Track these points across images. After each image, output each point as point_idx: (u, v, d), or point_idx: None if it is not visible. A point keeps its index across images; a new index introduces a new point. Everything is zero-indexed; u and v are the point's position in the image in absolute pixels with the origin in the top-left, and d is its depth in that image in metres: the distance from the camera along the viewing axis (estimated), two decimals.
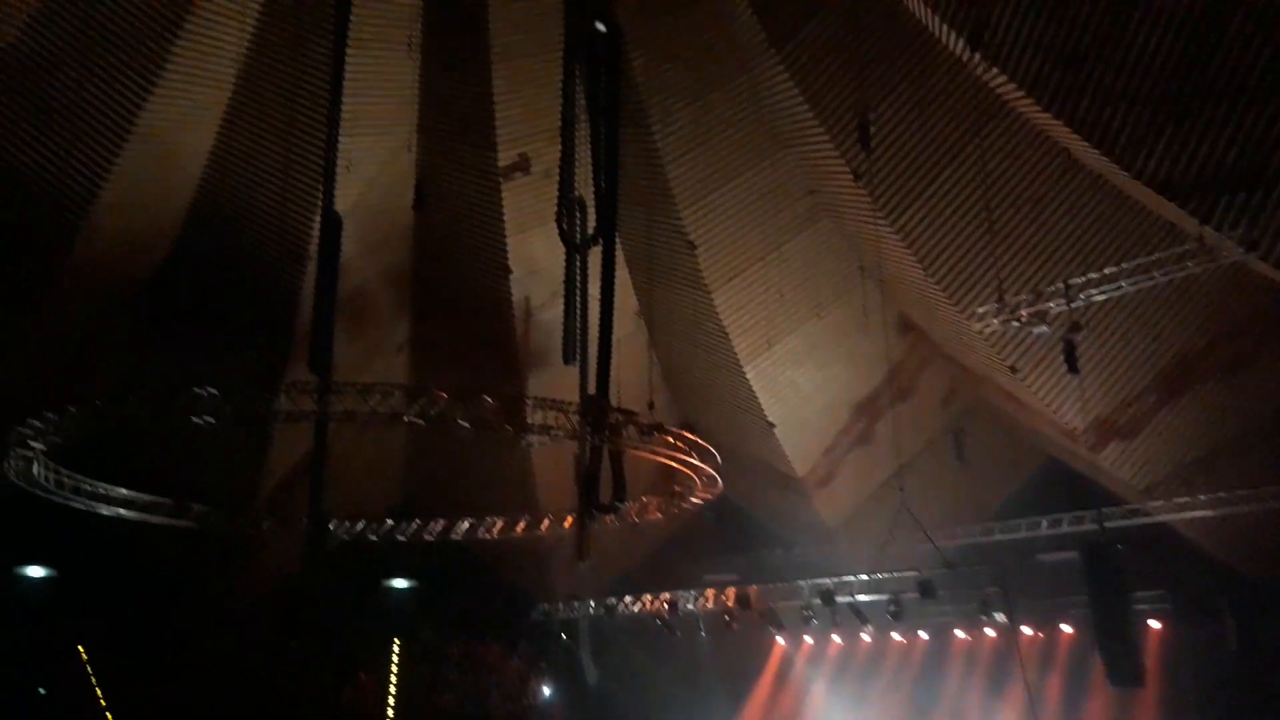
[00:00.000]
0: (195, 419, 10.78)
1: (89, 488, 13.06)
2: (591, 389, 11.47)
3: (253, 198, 12.83)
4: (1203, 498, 12.96)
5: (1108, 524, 13.07)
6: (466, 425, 11.76)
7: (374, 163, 13.17)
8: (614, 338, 11.35)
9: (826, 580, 15.50)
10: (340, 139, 10.49)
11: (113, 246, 12.37)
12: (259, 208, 12.91)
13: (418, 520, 15.54)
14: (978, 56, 10.49)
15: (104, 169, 11.89)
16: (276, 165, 12.50)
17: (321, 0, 11.57)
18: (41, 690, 15.07)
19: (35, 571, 14.89)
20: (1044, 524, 14.52)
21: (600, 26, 11.39)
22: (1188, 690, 13.61)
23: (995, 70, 10.43)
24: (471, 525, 15.56)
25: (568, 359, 11.75)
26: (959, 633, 16.03)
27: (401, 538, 15.54)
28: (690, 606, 16.51)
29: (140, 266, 12.93)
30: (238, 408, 11.15)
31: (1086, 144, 10.28)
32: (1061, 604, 14.78)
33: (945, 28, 10.67)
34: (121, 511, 13.54)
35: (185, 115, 12.10)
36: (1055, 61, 10.12)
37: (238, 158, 12.67)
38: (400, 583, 16.91)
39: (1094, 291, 10.92)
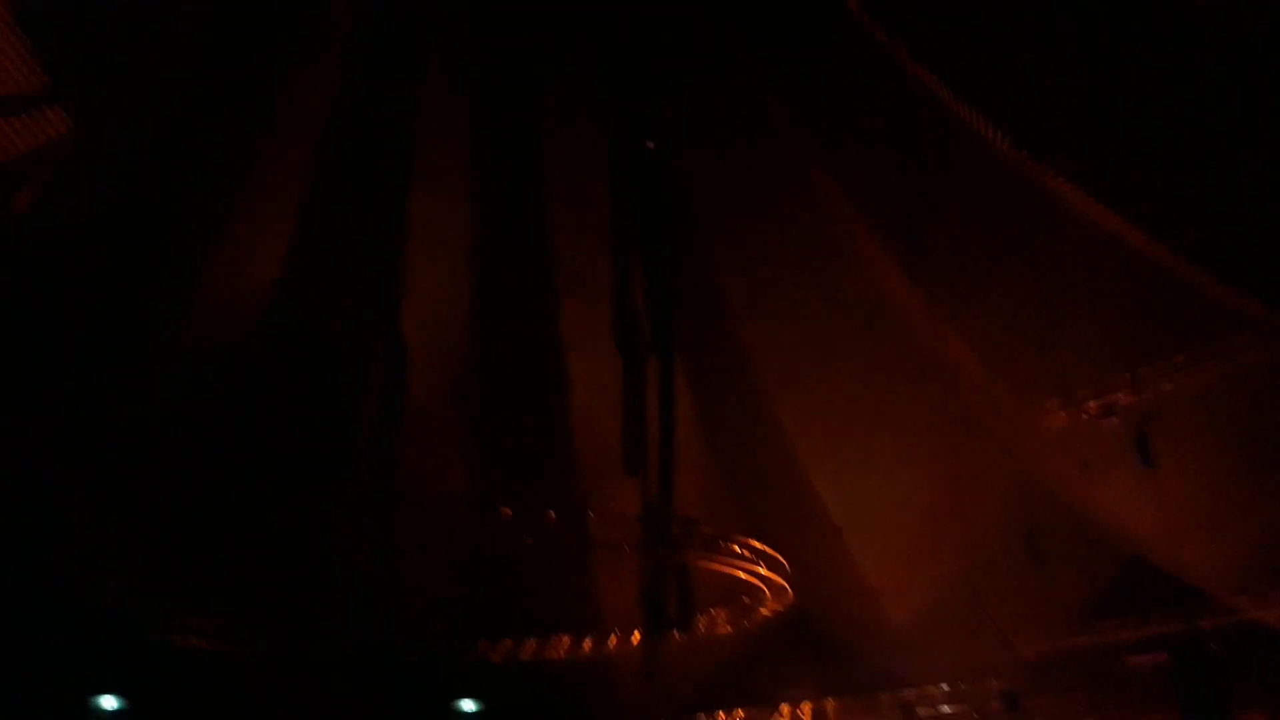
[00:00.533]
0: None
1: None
2: (653, 500, 11.38)
3: (318, 321, 13.13)
4: None
5: (1199, 623, 12.58)
6: (530, 540, 11.72)
7: (434, 281, 13.44)
8: (674, 447, 11.28)
9: (907, 692, 15.02)
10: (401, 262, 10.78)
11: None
12: (324, 331, 13.20)
13: (483, 639, 15.34)
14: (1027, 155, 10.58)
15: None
16: (342, 289, 12.84)
17: (381, 136, 12.05)
18: None
19: (108, 703, 14.87)
20: (1131, 625, 13.97)
21: (649, 145, 11.67)
22: None
23: (1046, 167, 10.47)
24: (538, 644, 15.32)
25: (629, 471, 11.69)
26: None
27: (467, 658, 15.32)
28: None
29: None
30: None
31: (1147, 237, 10.22)
32: (1154, 709, 14.15)
33: (993, 129, 10.77)
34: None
35: (254, 239, 12.49)
36: (1107, 159, 10.14)
37: (304, 283, 13.01)
38: (468, 705, 16.58)
39: (1163, 382, 10.72)
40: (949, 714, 15.27)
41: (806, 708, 15.85)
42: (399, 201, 10.92)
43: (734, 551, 12.51)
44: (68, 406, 11.39)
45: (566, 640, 15.23)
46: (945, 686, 14.61)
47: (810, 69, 12.31)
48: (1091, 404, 11.24)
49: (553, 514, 11.91)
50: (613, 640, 14.97)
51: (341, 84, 12.12)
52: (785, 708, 15.97)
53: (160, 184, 11.42)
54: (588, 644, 15.19)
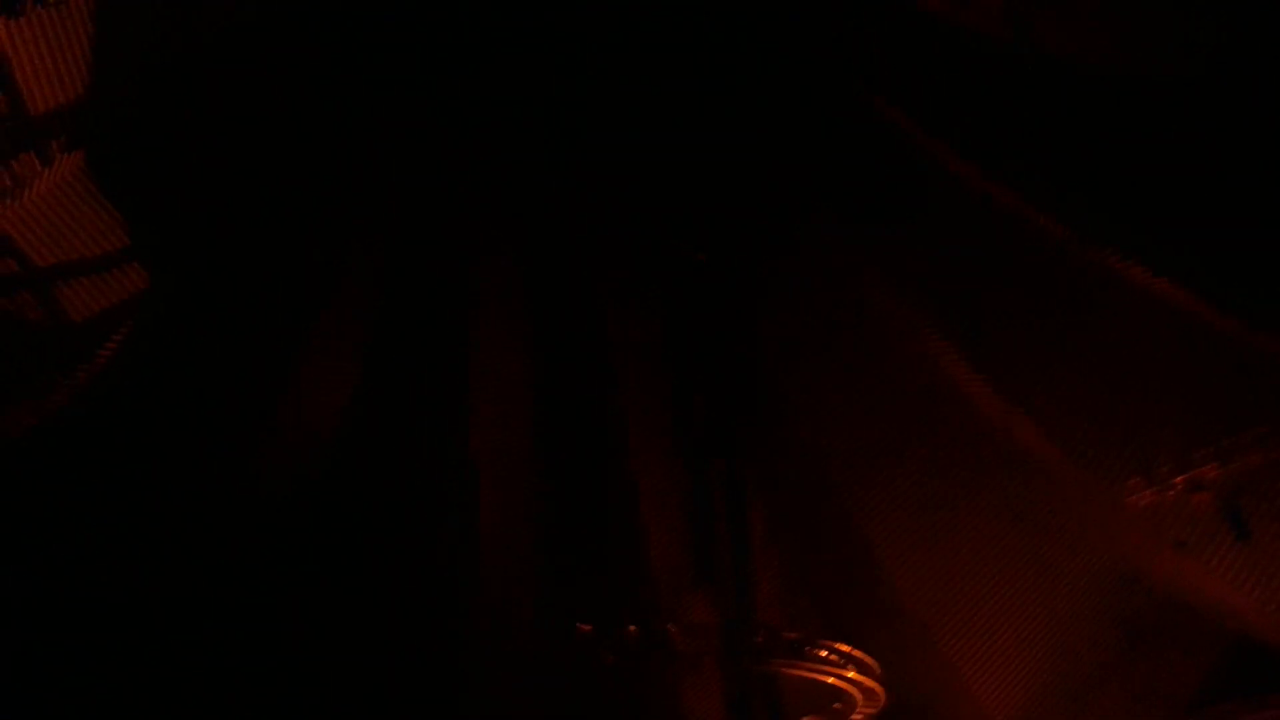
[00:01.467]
0: None
1: None
2: (732, 608, 11.23)
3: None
4: None
5: None
6: (611, 657, 11.53)
7: (497, 402, 13.57)
8: (749, 552, 11.18)
9: None
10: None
11: None
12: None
13: None
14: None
15: None
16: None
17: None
18: None
19: None
20: (1243, 708, 13.32)
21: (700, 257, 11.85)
22: None
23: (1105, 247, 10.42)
24: None
25: (701, 580, 11.58)
26: None
27: None
28: None
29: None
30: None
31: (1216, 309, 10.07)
32: None
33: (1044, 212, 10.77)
34: None
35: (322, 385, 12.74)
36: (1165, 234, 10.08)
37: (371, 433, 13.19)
38: None
39: (1250, 453, 10.45)
40: None
41: None
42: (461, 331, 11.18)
43: (821, 657, 12.16)
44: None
45: None
46: None
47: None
48: (1178, 480, 10.93)
49: (634, 629, 11.71)
50: None
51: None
52: None
53: (230, 337, 11.79)
54: None
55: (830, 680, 12.49)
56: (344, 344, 12.48)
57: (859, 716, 13.59)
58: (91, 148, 10.18)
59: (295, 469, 12.63)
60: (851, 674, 12.23)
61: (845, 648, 12.29)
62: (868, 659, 12.19)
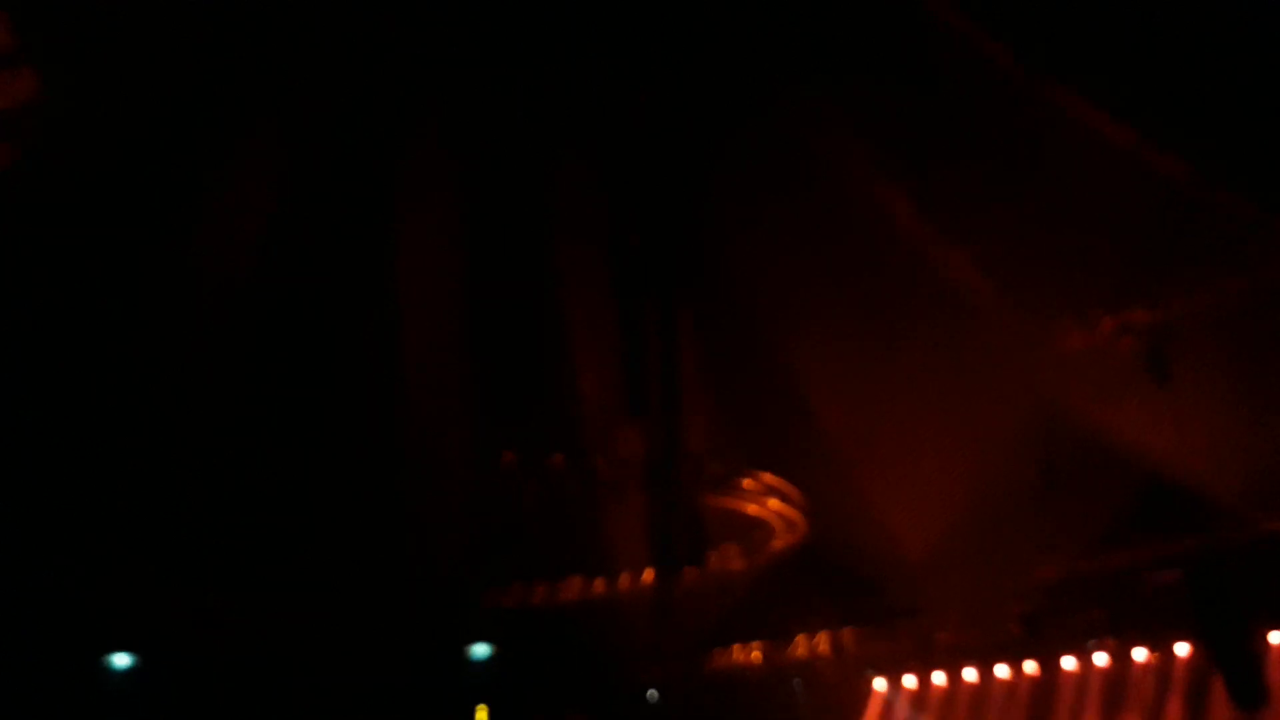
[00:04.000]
0: None
1: None
2: (659, 440, 11.30)
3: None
4: None
5: (1217, 540, 12.56)
6: (536, 485, 11.65)
7: (426, 233, 13.15)
8: (678, 386, 11.14)
9: (924, 619, 15.08)
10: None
11: None
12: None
13: (494, 585, 15.37)
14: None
15: None
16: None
17: None
18: None
19: (120, 660, 15.00)
20: (1149, 545, 13.91)
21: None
22: None
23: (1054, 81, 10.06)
24: (549, 587, 15.33)
25: (633, 413, 11.58)
26: (1067, 664, 15.42)
27: (478, 604, 15.36)
28: (783, 657, 16.17)
29: None
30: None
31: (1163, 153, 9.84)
32: (1176, 626, 14.23)
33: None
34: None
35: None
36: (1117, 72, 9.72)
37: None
38: (481, 649, 16.69)
39: (1180, 300, 10.48)
40: (967, 638, 15.33)
41: (823, 638, 15.91)
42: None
43: (744, 487, 12.40)
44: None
45: (578, 583, 15.25)
46: (963, 613, 14.66)
47: None
48: (1107, 324, 10.98)
49: (558, 459, 11.80)
50: (624, 581, 14.98)
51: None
52: (802, 639, 16.05)
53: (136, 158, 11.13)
54: (599, 585, 15.22)
55: (752, 510, 12.83)
56: (260, 167, 11.91)
57: (779, 545, 14.05)
58: None
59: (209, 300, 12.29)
60: (773, 504, 12.54)
61: (768, 479, 12.55)
62: (789, 490, 12.47)
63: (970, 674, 16.32)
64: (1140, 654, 14.82)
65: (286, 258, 11.87)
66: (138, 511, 11.76)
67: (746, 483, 12.48)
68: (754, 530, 14.18)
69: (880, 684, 17.45)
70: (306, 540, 14.07)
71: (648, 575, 14.48)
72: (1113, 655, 14.91)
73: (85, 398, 11.65)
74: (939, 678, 16.78)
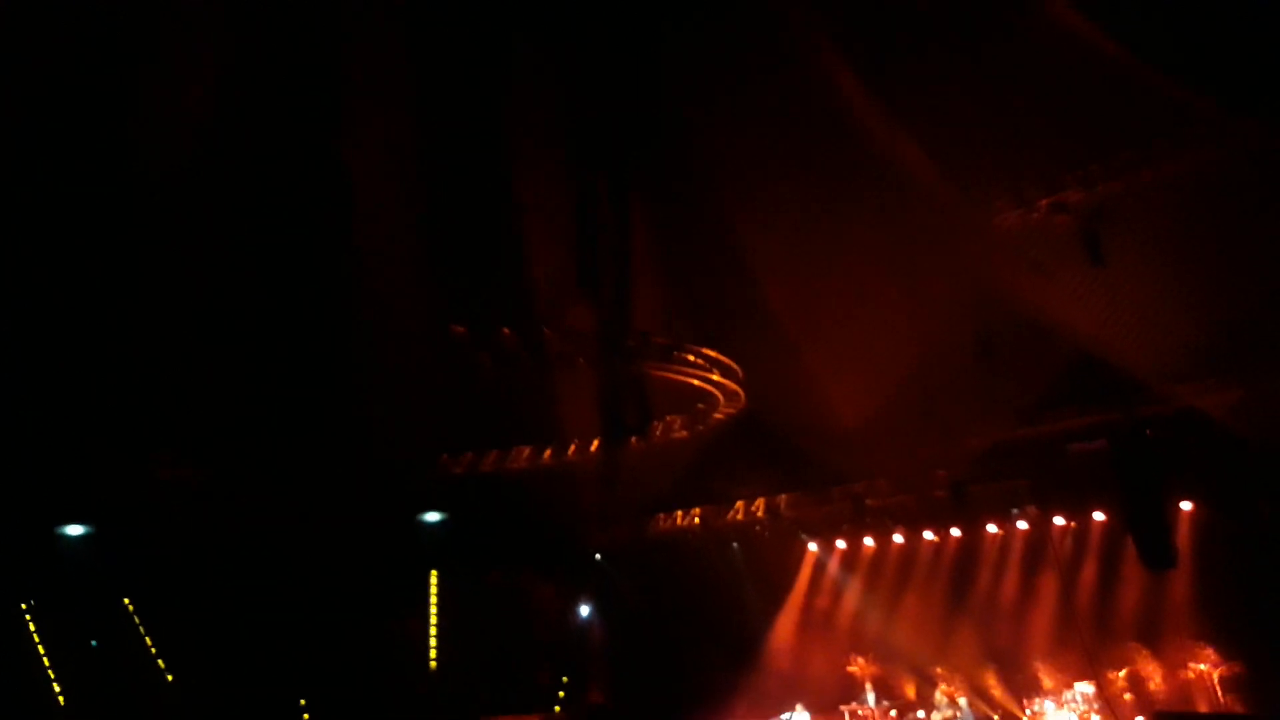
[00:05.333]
0: None
1: None
2: (608, 314, 11.41)
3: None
4: (1231, 381, 12.84)
5: (1139, 412, 13.05)
6: (486, 356, 11.76)
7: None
8: (628, 260, 11.22)
9: (856, 485, 15.60)
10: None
11: None
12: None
13: (445, 453, 15.60)
14: None
15: None
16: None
17: None
18: (94, 643, 15.45)
19: (74, 529, 15.14)
20: (1074, 416, 14.43)
21: None
22: (1221, 571, 13.69)
23: None
24: (499, 455, 15.61)
25: (582, 286, 11.64)
26: (991, 528, 16.17)
27: (430, 472, 15.62)
28: (722, 521, 16.71)
29: None
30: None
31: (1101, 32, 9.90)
32: (1094, 493, 14.91)
33: None
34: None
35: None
36: None
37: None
38: (432, 516, 17.04)
39: (1114, 179, 10.67)
40: (897, 503, 15.95)
41: (761, 504, 16.44)
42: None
43: (688, 360, 12.65)
44: None
45: (527, 451, 15.55)
46: (893, 479, 15.21)
47: None
48: (1042, 202, 11.19)
49: (507, 331, 11.89)
50: (572, 449, 15.30)
51: None
52: (740, 504, 16.56)
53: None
54: (548, 454, 15.53)
55: (695, 382, 13.14)
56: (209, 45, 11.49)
57: (720, 415, 14.44)
58: None
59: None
60: (715, 377, 12.85)
61: (711, 353, 12.81)
62: (731, 363, 12.75)
63: (898, 537, 17.10)
64: (1060, 520, 15.61)
65: (239, 135, 11.60)
66: (93, 383, 11.69)
67: (690, 356, 12.71)
68: (697, 402, 14.49)
69: (813, 547, 18.24)
70: (260, 412, 14.15)
71: (595, 445, 14.82)
72: (1033, 521, 15.66)
73: (42, 269, 11.42)
74: (869, 541, 17.57)
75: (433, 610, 17.14)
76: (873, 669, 17.03)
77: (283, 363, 13.03)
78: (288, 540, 16.44)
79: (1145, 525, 12.63)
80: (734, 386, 13.24)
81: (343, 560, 15.71)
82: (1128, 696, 14.47)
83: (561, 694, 18.05)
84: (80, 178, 10.98)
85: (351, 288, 12.99)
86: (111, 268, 11.47)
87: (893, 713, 16.30)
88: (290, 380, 13.83)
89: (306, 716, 16.07)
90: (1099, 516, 15.36)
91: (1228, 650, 13.50)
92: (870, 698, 16.67)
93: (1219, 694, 13.37)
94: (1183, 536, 14.16)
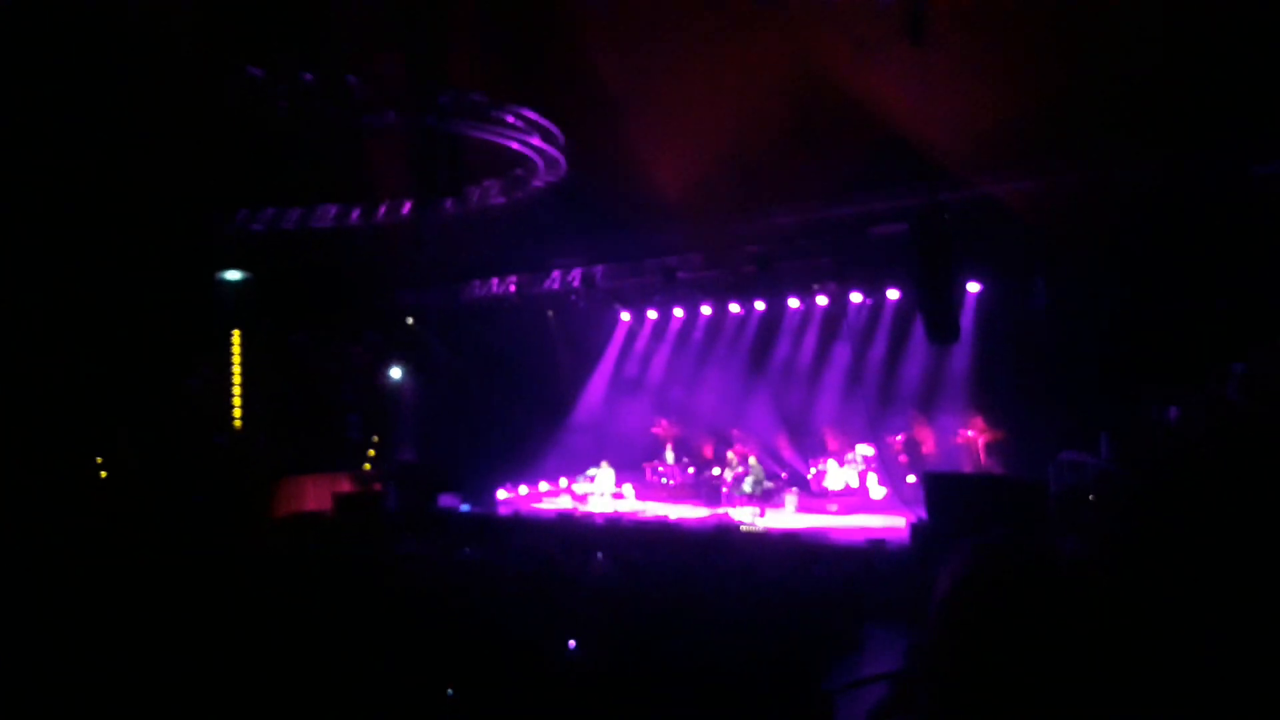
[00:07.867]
0: None
1: None
2: (422, 66, 10.75)
3: None
4: (1031, 170, 13.44)
5: (939, 196, 13.51)
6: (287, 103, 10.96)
7: None
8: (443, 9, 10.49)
9: (670, 258, 15.77)
10: None
11: None
12: None
13: (244, 209, 14.71)
14: None
15: None
16: None
17: None
18: None
19: None
20: (878, 198, 14.85)
21: None
22: (997, 348, 14.79)
23: None
24: (303, 214, 14.85)
25: (390, 36, 10.88)
26: (793, 302, 16.82)
27: (228, 228, 14.74)
28: (538, 289, 16.68)
29: None
30: None
31: None
32: (891, 272, 15.61)
33: None
34: None
35: None
36: None
37: None
38: (234, 275, 16.26)
39: None
40: (708, 276, 16.27)
41: (576, 272, 16.43)
42: None
43: (507, 122, 12.13)
44: None
45: (334, 210, 14.84)
46: (704, 253, 15.42)
47: None
48: None
49: (310, 76, 11.01)
50: (383, 210, 14.71)
51: None
52: (557, 273, 16.52)
53: None
54: (356, 214, 14.88)
55: (514, 145, 12.67)
56: None
57: (540, 184, 14.09)
58: None
59: None
60: (536, 142, 12.43)
61: (531, 114, 12.33)
62: (553, 127, 12.33)
63: (707, 309, 17.62)
64: (857, 296, 16.37)
65: None
66: None
67: (509, 118, 12.19)
68: (515, 168, 14.07)
69: (626, 316, 18.59)
70: (45, 161, 12.84)
71: (406, 206, 14.29)
72: (832, 297, 16.36)
73: None
74: (679, 311, 18.05)
75: (235, 370, 16.65)
76: (675, 430, 17.90)
77: (65, 104, 11.73)
78: (80, 294, 15.43)
79: (934, 302, 13.33)
80: (555, 152, 12.86)
81: (138, 318, 14.89)
82: (903, 459, 15.75)
83: (371, 452, 18.20)
84: None
85: (137, 24, 11.66)
86: None
87: (690, 469, 17.30)
88: (74, 126, 12.56)
89: (104, 474, 15.62)
90: (893, 295, 16.16)
91: (994, 419, 14.73)
92: (670, 456, 17.62)
93: (982, 457, 14.69)
94: (967, 314, 15.12)
